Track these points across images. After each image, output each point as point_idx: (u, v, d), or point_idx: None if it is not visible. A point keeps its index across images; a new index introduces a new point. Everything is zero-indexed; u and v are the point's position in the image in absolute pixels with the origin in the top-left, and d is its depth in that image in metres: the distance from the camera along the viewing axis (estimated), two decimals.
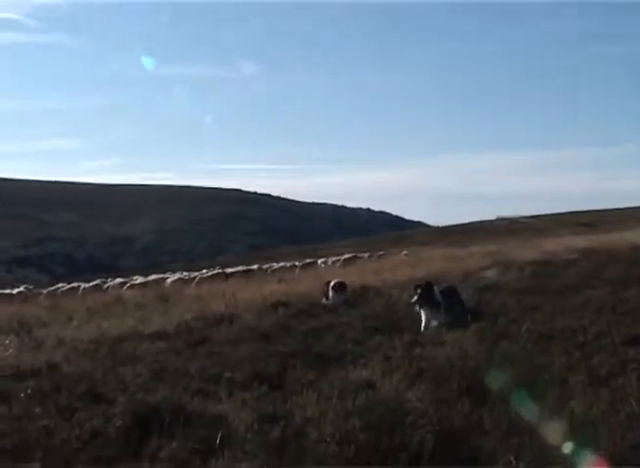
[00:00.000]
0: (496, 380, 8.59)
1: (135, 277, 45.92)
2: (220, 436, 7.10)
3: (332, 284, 19.45)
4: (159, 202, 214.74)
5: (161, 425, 7.42)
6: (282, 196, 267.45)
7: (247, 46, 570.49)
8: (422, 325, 13.58)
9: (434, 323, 13.62)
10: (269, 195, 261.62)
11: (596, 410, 7.10)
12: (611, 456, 5.83)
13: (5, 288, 42.98)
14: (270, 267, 45.24)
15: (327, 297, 19.30)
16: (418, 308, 13.85)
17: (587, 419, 6.84)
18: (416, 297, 13.85)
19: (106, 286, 40.60)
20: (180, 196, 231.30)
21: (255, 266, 45.77)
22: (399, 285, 22.61)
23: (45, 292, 41.24)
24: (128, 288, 37.55)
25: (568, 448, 6.06)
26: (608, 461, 5.77)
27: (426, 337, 12.33)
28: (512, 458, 5.97)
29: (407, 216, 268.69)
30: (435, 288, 14.30)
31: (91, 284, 41.95)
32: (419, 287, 14.12)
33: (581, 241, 45.28)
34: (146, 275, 46.35)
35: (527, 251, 38.90)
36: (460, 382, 8.52)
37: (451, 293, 14.81)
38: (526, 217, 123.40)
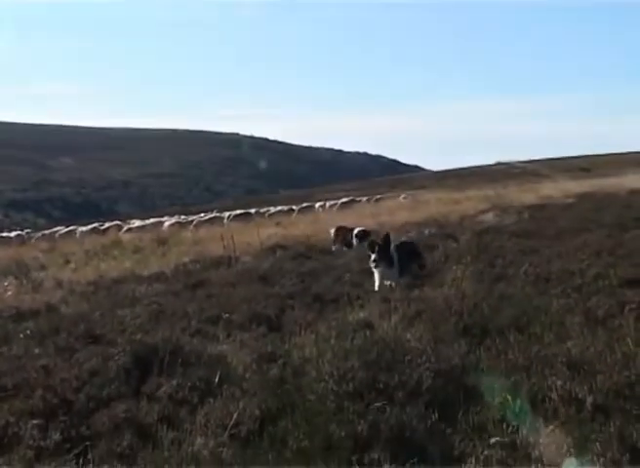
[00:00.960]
0: (493, 321, 8.62)
1: (132, 221, 45.88)
2: (218, 375, 7.13)
3: (355, 231, 18.73)
4: (156, 146, 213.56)
5: (160, 365, 7.43)
6: (280, 140, 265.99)
7: None
8: (376, 284, 12.33)
9: (387, 282, 12.39)
10: (267, 139, 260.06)
11: (593, 350, 7.12)
12: (607, 394, 5.85)
13: (3, 231, 43.02)
14: (268, 211, 45.17)
15: (348, 245, 18.67)
16: (373, 267, 12.49)
17: (584, 359, 6.86)
18: (374, 256, 12.39)
19: (104, 228, 40.55)
20: (177, 140, 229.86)
21: (252, 210, 45.68)
22: (397, 228, 22.65)
23: (41, 234, 41.27)
24: (126, 231, 37.53)
25: (564, 386, 6.08)
26: (604, 398, 5.80)
27: (425, 279, 12.33)
28: (508, 396, 5.99)
29: (404, 161, 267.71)
30: (392, 244, 12.90)
31: (88, 227, 41.91)
32: (375, 243, 12.70)
33: (578, 185, 45.34)
34: (144, 219, 46.29)
35: (524, 195, 38.95)
36: (457, 323, 8.54)
37: (409, 250, 13.52)
38: (524, 162, 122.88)
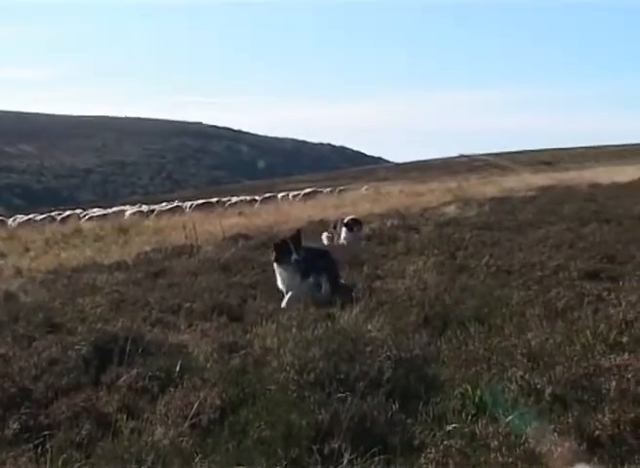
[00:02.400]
0: (454, 312, 8.68)
1: (93, 209, 45.55)
2: (179, 365, 7.10)
3: (345, 220, 17.32)
4: (118, 134, 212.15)
5: (120, 354, 7.38)
6: (243, 130, 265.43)
7: None
8: (284, 301, 10.36)
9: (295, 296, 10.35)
10: (230, 128, 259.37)
11: (552, 342, 7.19)
12: (565, 385, 5.91)
13: None
14: (230, 201, 45.07)
15: (330, 238, 17.40)
16: (277, 274, 10.77)
17: (544, 350, 6.93)
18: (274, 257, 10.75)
19: (64, 217, 40.20)
20: (139, 128, 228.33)
21: (214, 199, 45.58)
22: (360, 219, 22.66)
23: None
24: (87, 220, 37.25)
25: (524, 377, 6.14)
26: (562, 388, 5.86)
27: (386, 270, 12.37)
28: (468, 387, 6.04)
29: (368, 152, 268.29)
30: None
31: (48, 215, 41.56)
32: (278, 245, 10.85)
33: (540, 178, 45.72)
34: (105, 207, 45.98)
35: (487, 187, 39.27)
36: (419, 314, 8.59)
37: (319, 257, 11.22)
38: (486, 155, 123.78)
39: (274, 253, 10.75)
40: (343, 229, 17.01)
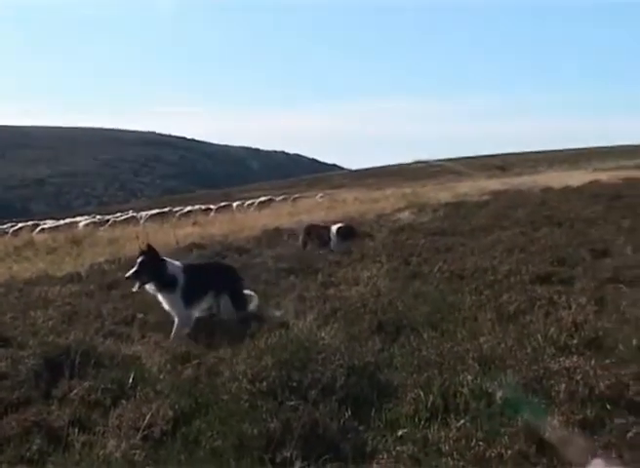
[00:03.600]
0: (407, 318, 8.72)
1: (46, 220, 45.08)
2: (132, 376, 7.05)
3: (336, 227, 17.07)
4: (71, 144, 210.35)
5: (72, 367, 7.31)
6: (197, 138, 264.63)
7: None
8: (173, 332, 9.24)
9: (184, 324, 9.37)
10: (184, 138, 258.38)
11: (504, 346, 7.26)
12: (515, 388, 5.98)
13: None
14: (185, 210, 44.87)
15: (324, 244, 16.75)
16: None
17: (495, 354, 6.99)
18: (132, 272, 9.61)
19: (16, 229, 39.72)
20: (92, 139, 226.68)
21: (169, 209, 45.37)
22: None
23: None
24: (39, 231, 36.84)
25: (475, 381, 6.20)
26: (513, 392, 5.92)
27: (340, 277, 12.38)
28: (421, 392, 6.07)
29: (322, 159, 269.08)
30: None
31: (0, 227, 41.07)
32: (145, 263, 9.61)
33: (494, 183, 46.05)
34: (58, 218, 45.52)
35: (441, 193, 39.45)
36: (372, 320, 8.62)
37: (214, 272, 10.51)
38: (442, 161, 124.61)
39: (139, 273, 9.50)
40: (335, 237, 16.89)
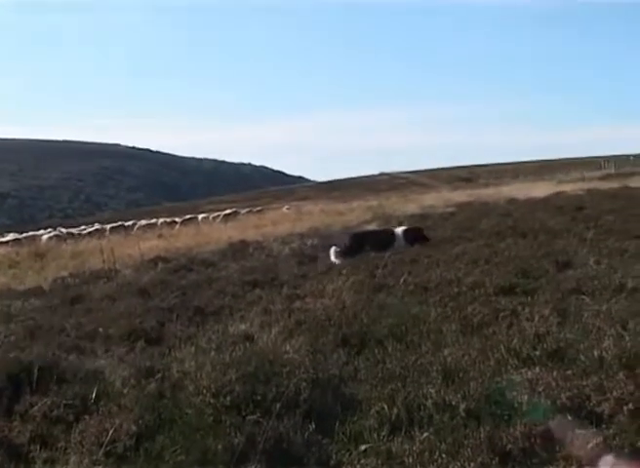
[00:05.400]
0: (372, 331, 8.74)
1: (9, 234, 44.62)
2: (95, 391, 6.99)
3: (402, 229, 16.94)
4: (35, 157, 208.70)
5: (34, 383, 7.24)
6: (162, 151, 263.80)
7: None
8: None
9: None
10: (149, 150, 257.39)
11: (467, 358, 7.30)
12: (478, 400, 6.01)
13: None
14: (149, 223, 44.68)
15: (379, 248, 16.05)
16: None
17: (459, 366, 7.02)
18: None
19: None
20: (56, 151, 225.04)
21: (133, 222, 45.15)
22: (280, 239, 22.74)
23: None
24: (1, 244, 36.45)
25: (439, 394, 6.22)
26: (476, 404, 5.95)
27: (306, 290, 12.39)
28: (385, 405, 6.08)
29: (288, 171, 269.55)
30: None
31: None
32: None
33: (459, 195, 46.39)
34: (21, 232, 45.05)
35: (407, 205, 39.69)
36: (336, 333, 8.62)
37: None
38: (407, 173, 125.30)
39: None
40: (401, 239, 16.69)
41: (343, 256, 16.38)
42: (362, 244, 16.76)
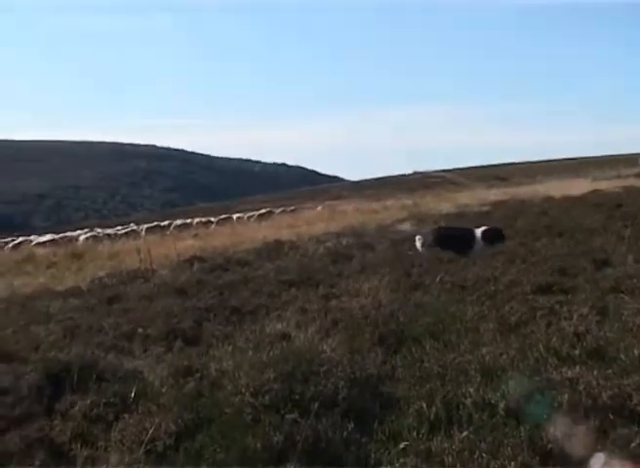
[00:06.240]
0: (409, 329, 8.72)
1: (46, 234, 45.01)
2: (134, 391, 7.04)
3: (481, 230, 16.14)
4: (71, 158, 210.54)
5: (74, 382, 7.31)
6: (196, 151, 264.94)
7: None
8: None
9: None
10: (184, 150, 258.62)
11: (506, 357, 7.26)
12: (518, 400, 5.98)
13: None
14: (185, 223, 44.89)
15: (459, 249, 15.49)
16: None
17: (497, 365, 6.99)
18: None
19: (16, 243, 39.62)
20: (92, 152, 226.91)
21: (169, 222, 45.37)
22: (315, 238, 22.74)
23: None
24: (40, 245, 36.77)
25: (478, 392, 6.19)
26: (516, 402, 5.92)
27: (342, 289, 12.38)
28: (423, 404, 6.07)
29: (323, 171, 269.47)
30: None
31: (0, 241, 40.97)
32: None
33: (494, 194, 46.12)
34: (58, 232, 45.44)
35: (442, 204, 39.49)
36: (373, 332, 8.61)
37: None
38: (441, 171, 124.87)
39: None
40: (480, 240, 16.00)
41: (427, 249, 15.93)
42: (445, 241, 16.13)
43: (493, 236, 16.11)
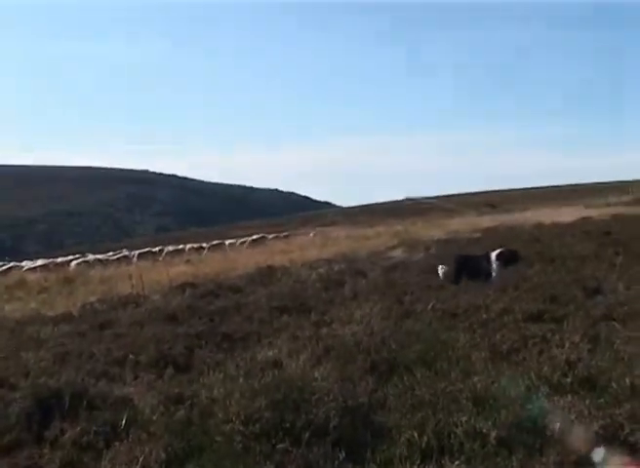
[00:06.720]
0: (401, 357, 8.70)
1: (38, 260, 44.91)
2: (124, 418, 7.00)
3: (496, 253, 16.05)
4: (64, 183, 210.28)
5: (64, 409, 7.26)
6: (190, 177, 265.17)
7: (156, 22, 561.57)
8: None
9: None
10: (176, 176, 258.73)
11: (497, 385, 7.25)
12: (510, 427, 5.96)
13: None
14: (178, 249, 44.83)
15: (479, 273, 15.62)
16: None
17: (489, 394, 6.97)
18: None
19: (7, 268, 39.46)
20: (85, 177, 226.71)
21: (161, 248, 45.32)
22: (307, 264, 22.74)
23: None
24: (31, 270, 36.68)
25: (469, 421, 6.17)
26: (507, 431, 5.90)
27: (333, 316, 12.36)
28: (415, 433, 6.04)
29: (315, 197, 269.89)
30: None
31: None
32: None
33: (485, 220, 46.22)
34: (50, 258, 45.34)
35: (433, 230, 39.56)
36: (365, 360, 8.60)
37: None
38: (432, 198, 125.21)
39: None
40: (495, 263, 15.87)
41: (449, 280, 15.86)
42: (464, 267, 16.19)
43: (507, 258, 16.04)
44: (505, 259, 15.94)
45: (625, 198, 62.26)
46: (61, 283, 26.18)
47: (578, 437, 5.70)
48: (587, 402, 6.37)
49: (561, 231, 28.08)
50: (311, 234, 51.69)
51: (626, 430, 5.77)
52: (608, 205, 54.51)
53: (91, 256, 42.52)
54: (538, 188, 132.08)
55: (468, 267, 16.09)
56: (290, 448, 5.68)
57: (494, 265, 15.87)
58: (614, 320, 10.08)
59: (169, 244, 51.25)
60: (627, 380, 6.99)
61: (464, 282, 15.25)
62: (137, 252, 42.59)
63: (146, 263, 33.60)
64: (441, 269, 16.47)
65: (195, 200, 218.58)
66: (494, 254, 16.07)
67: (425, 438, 5.99)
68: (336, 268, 20.91)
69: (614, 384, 7.01)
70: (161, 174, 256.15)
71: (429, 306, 12.22)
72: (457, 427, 6.12)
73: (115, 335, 12.20)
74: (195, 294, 16.95)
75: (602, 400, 6.54)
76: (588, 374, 7.36)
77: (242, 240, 48.67)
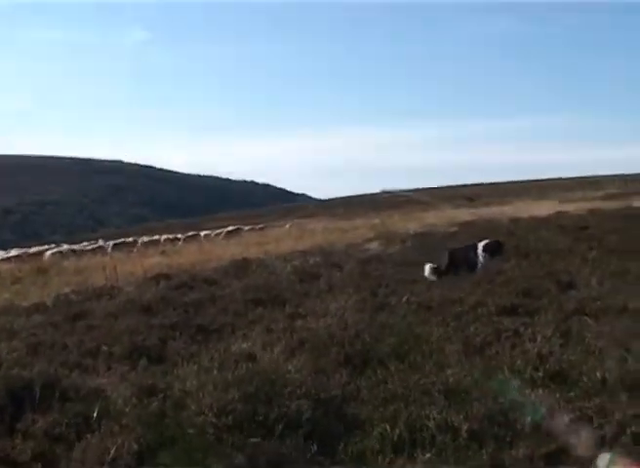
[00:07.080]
0: (374, 350, 8.73)
1: (12, 249, 44.64)
2: (96, 410, 6.97)
3: (483, 244, 16.35)
4: (38, 173, 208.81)
5: (36, 400, 7.23)
6: (165, 168, 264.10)
7: (137, 13, 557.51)
8: None
9: None
10: (152, 167, 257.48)
11: (470, 378, 7.29)
12: (481, 420, 6.00)
13: None
14: (153, 240, 44.67)
15: (472, 266, 15.92)
16: None
17: (461, 387, 7.02)
18: None
19: None
20: (59, 167, 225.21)
21: (136, 238, 45.13)
22: (282, 256, 22.72)
23: None
24: (4, 261, 36.45)
25: (441, 414, 6.21)
26: (479, 424, 5.95)
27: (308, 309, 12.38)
28: (387, 426, 6.07)
29: (291, 189, 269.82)
30: None
31: None
32: None
33: (462, 214, 46.32)
34: (24, 248, 45.08)
35: (410, 223, 39.60)
36: (338, 353, 8.62)
37: None
38: (409, 191, 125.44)
39: None
40: (482, 254, 16.19)
41: (439, 275, 15.77)
42: (456, 261, 16.33)
43: (493, 248, 16.39)
44: (492, 250, 16.24)
45: (602, 192, 62.68)
46: (35, 273, 25.99)
47: (548, 430, 5.75)
48: (558, 395, 6.43)
49: (537, 225, 28.21)
50: (287, 226, 51.66)
51: (595, 423, 5.83)
52: (585, 199, 54.82)
53: (65, 247, 42.32)
54: (515, 182, 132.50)
55: (459, 259, 16.29)
56: (262, 441, 5.69)
57: (480, 257, 16.15)
58: (586, 314, 10.16)
59: (144, 235, 51.11)
60: (598, 374, 7.06)
61: (450, 274, 15.38)
62: (111, 242, 42.38)
63: (121, 254, 33.43)
64: (429, 269, 16.16)
65: (171, 191, 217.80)
66: (481, 245, 16.36)
67: (398, 431, 6.02)
68: (311, 261, 20.90)
69: (584, 378, 7.08)
70: (137, 164, 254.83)
71: (404, 299, 12.27)
72: (429, 420, 6.16)
73: (89, 327, 12.13)
74: (170, 286, 16.88)
75: (572, 393, 6.60)
76: (560, 368, 7.43)
77: (217, 231, 48.53)
